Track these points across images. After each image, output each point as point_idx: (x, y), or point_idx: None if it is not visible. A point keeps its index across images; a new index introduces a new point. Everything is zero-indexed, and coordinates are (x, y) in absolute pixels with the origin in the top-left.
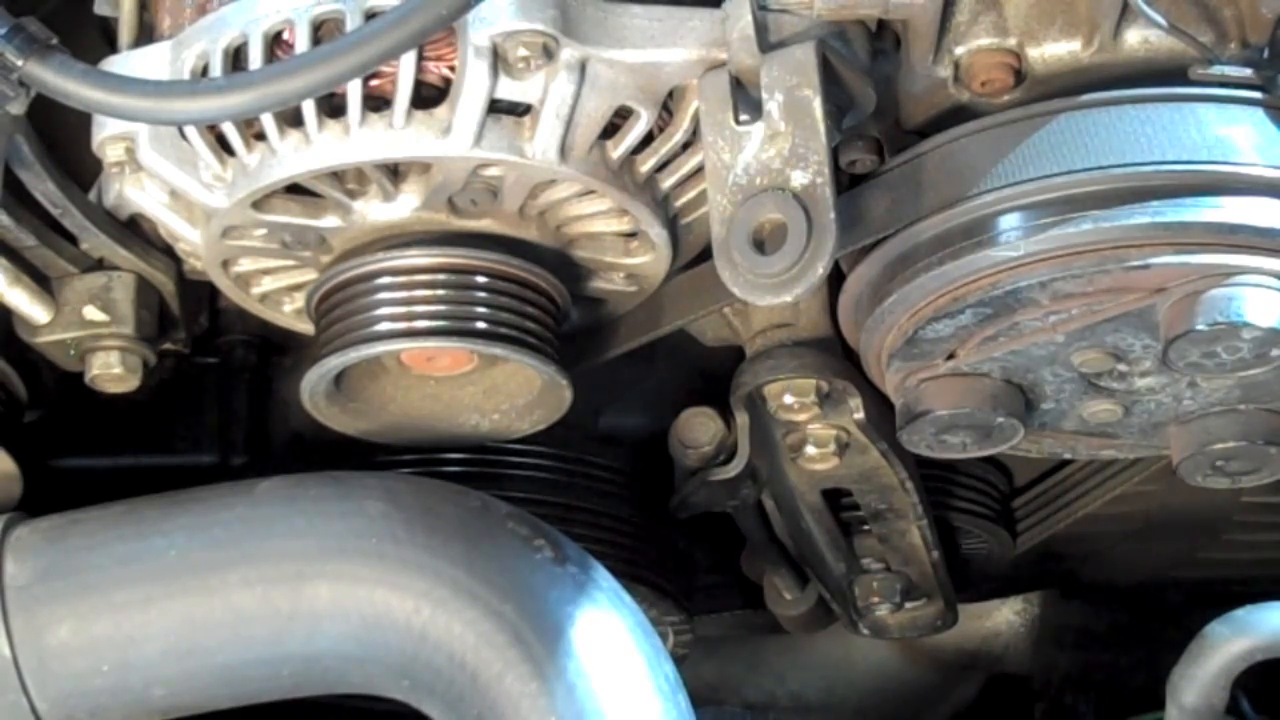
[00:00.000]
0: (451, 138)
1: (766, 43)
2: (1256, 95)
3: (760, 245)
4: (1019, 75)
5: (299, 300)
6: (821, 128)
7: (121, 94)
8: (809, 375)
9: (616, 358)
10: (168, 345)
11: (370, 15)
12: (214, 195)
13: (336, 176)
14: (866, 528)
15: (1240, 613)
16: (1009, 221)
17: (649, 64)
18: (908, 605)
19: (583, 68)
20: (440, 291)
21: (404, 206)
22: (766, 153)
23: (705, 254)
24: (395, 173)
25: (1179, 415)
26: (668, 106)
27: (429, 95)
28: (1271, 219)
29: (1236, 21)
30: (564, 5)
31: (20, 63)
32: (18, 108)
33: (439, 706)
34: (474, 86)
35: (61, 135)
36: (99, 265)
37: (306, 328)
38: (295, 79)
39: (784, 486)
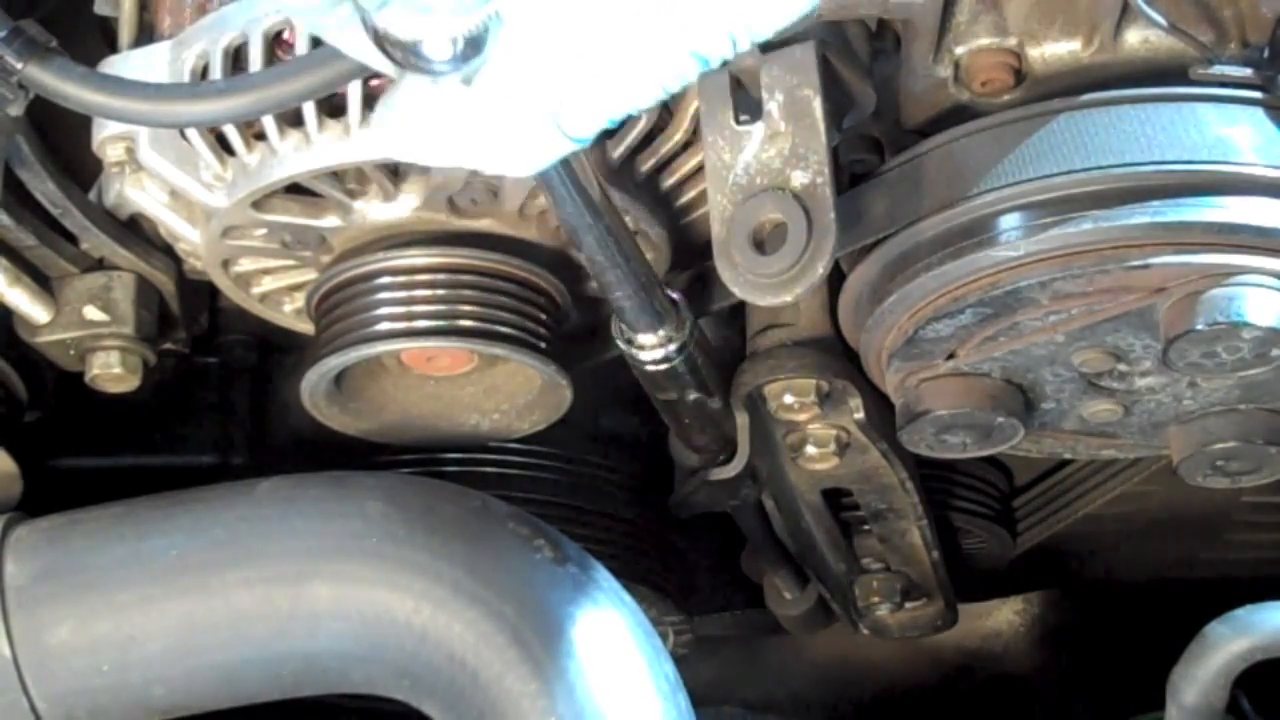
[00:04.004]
0: None
1: (767, 42)
2: (1256, 95)
3: (760, 245)
4: (1019, 75)
5: (299, 300)
6: (821, 128)
7: (122, 97)
8: (809, 375)
9: (616, 358)
10: (168, 345)
11: None
12: (214, 195)
13: (336, 176)
14: (866, 528)
15: (1240, 613)
16: (1009, 221)
17: None
18: (908, 605)
19: None
20: (440, 291)
21: (404, 206)
22: (766, 153)
23: (705, 254)
24: (395, 173)
25: (1179, 415)
26: (668, 106)
27: None
28: (1271, 219)
29: (1236, 21)
30: None
31: (20, 66)
32: (16, 109)
33: (439, 706)
34: None
35: (61, 135)
36: (99, 265)
37: (306, 328)
38: (296, 80)
39: (784, 486)
